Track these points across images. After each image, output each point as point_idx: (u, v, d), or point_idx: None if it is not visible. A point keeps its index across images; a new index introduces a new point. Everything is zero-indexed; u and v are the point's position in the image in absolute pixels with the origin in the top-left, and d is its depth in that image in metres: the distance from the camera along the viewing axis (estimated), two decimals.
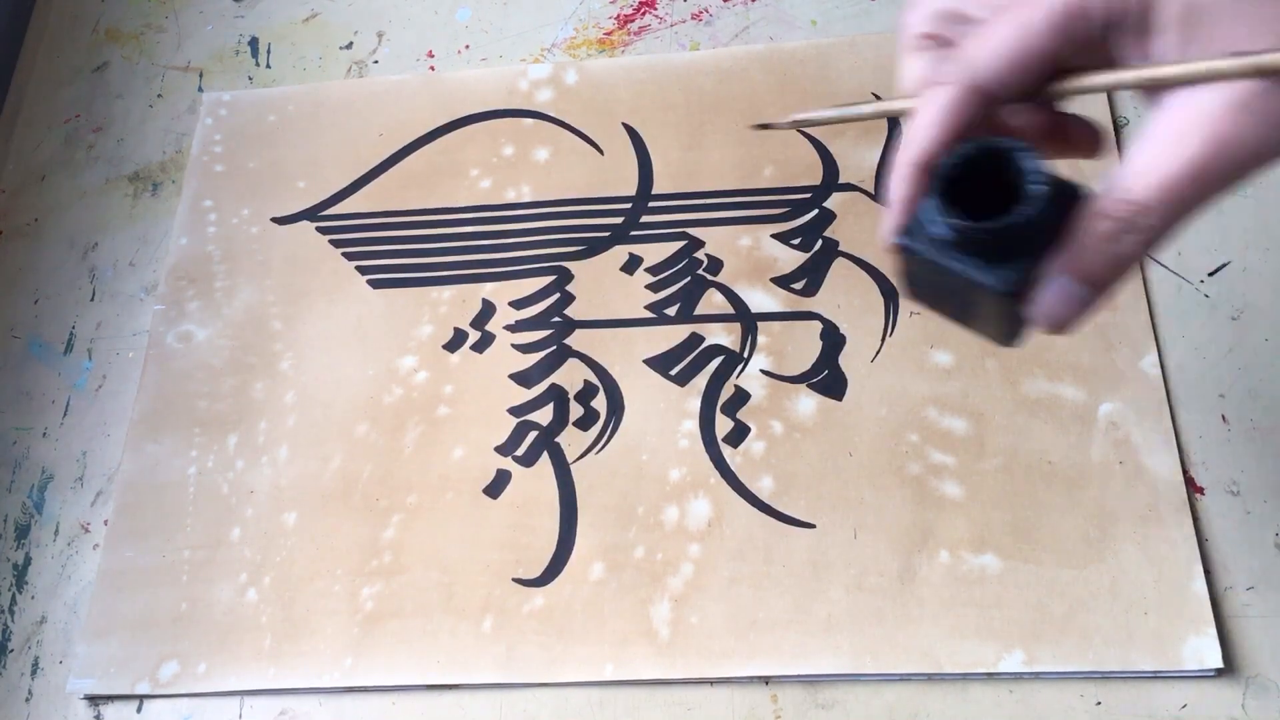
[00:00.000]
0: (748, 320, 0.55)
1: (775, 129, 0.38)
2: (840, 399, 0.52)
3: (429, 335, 0.56)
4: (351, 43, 0.67)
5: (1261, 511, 0.48)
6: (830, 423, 0.52)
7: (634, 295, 0.56)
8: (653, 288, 0.56)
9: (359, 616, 0.50)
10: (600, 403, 0.54)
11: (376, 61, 0.66)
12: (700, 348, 0.54)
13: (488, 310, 0.56)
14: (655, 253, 0.57)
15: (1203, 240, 0.54)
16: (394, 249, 0.59)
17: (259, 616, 0.51)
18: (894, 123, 0.59)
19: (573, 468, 0.52)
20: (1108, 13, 0.31)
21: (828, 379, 0.53)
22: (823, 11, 0.64)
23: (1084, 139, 0.35)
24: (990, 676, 0.46)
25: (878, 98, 0.60)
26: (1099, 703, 0.45)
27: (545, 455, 0.53)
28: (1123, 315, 0.53)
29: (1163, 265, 0.54)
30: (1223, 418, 0.50)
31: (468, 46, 0.66)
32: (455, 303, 0.57)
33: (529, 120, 0.61)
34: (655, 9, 0.64)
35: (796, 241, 0.57)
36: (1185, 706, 0.45)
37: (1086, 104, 0.58)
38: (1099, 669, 0.45)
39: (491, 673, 0.48)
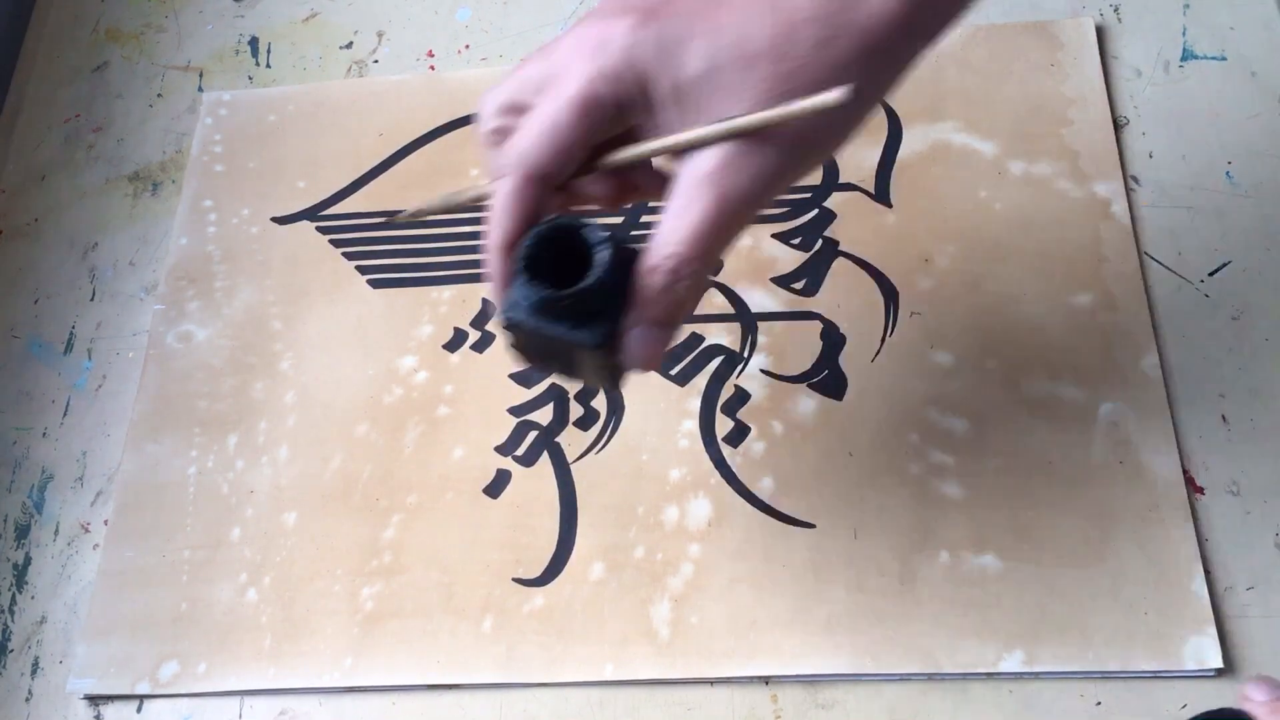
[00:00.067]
0: (748, 320, 0.55)
1: (397, 221, 0.42)
2: (840, 399, 0.52)
3: (429, 335, 0.56)
4: (351, 43, 0.67)
5: (1261, 511, 0.48)
6: (830, 423, 0.52)
7: None
8: None
9: (359, 616, 0.50)
10: (600, 403, 0.54)
11: (376, 61, 0.66)
12: (700, 348, 0.54)
13: (488, 310, 0.56)
14: None
15: (1203, 240, 0.54)
16: (394, 249, 0.59)
17: (259, 616, 0.51)
18: (894, 122, 0.59)
19: (573, 468, 0.52)
20: (617, 97, 0.37)
21: (828, 379, 0.53)
22: None
23: (653, 186, 0.39)
24: (990, 676, 0.46)
25: None
26: (1099, 703, 0.45)
27: (545, 455, 0.53)
28: (1123, 315, 0.53)
29: (1163, 265, 0.54)
30: (1223, 418, 0.50)
31: (468, 46, 0.66)
32: (455, 303, 0.57)
33: None
34: None
35: (796, 241, 0.57)
36: (1185, 706, 0.45)
37: (1087, 107, 0.58)
38: (1099, 669, 0.45)
39: (491, 673, 0.48)
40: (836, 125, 0.37)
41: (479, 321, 0.56)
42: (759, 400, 0.53)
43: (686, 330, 0.55)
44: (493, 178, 0.38)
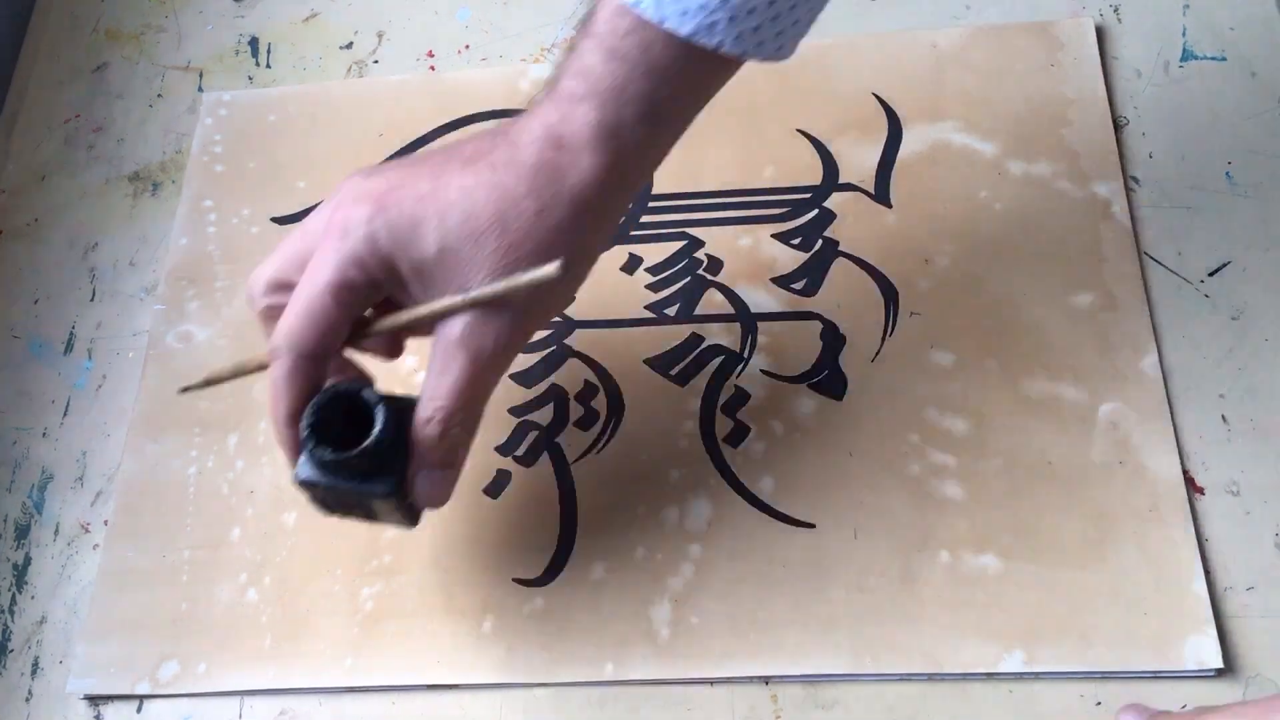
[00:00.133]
0: (748, 320, 0.55)
1: (192, 388, 0.46)
2: (840, 399, 0.52)
3: None
4: (351, 43, 0.67)
5: (1261, 511, 0.48)
6: (830, 423, 0.52)
7: (634, 295, 0.56)
8: (653, 288, 0.56)
9: (359, 616, 0.50)
10: (600, 403, 0.54)
11: (376, 61, 0.66)
12: (700, 348, 0.54)
13: None
14: (655, 253, 0.57)
15: (1203, 240, 0.54)
16: None
17: (259, 616, 0.51)
18: (894, 123, 0.59)
19: (573, 468, 0.52)
20: (367, 279, 0.41)
21: (828, 379, 0.53)
22: (823, 11, 0.64)
23: (424, 332, 0.43)
24: (990, 676, 0.46)
25: (878, 98, 0.60)
26: (1099, 703, 0.45)
27: (545, 455, 0.53)
28: (1123, 315, 0.53)
29: (1163, 265, 0.54)
30: (1223, 418, 0.50)
31: (468, 46, 0.66)
32: None
33: None
34: None
35: (796, 241, 0.57)
36: (1185, 706, 0.45)
37: (1087, 107, 0.58)
38: (1099, 669, 0.45)
39: (491, 673, 0.48)
40: (559, 288, 0.42)
41: None
42: (759, 400, 0.53)
43: (686, 331, 0.55)
44: (269, 356, 0.42)
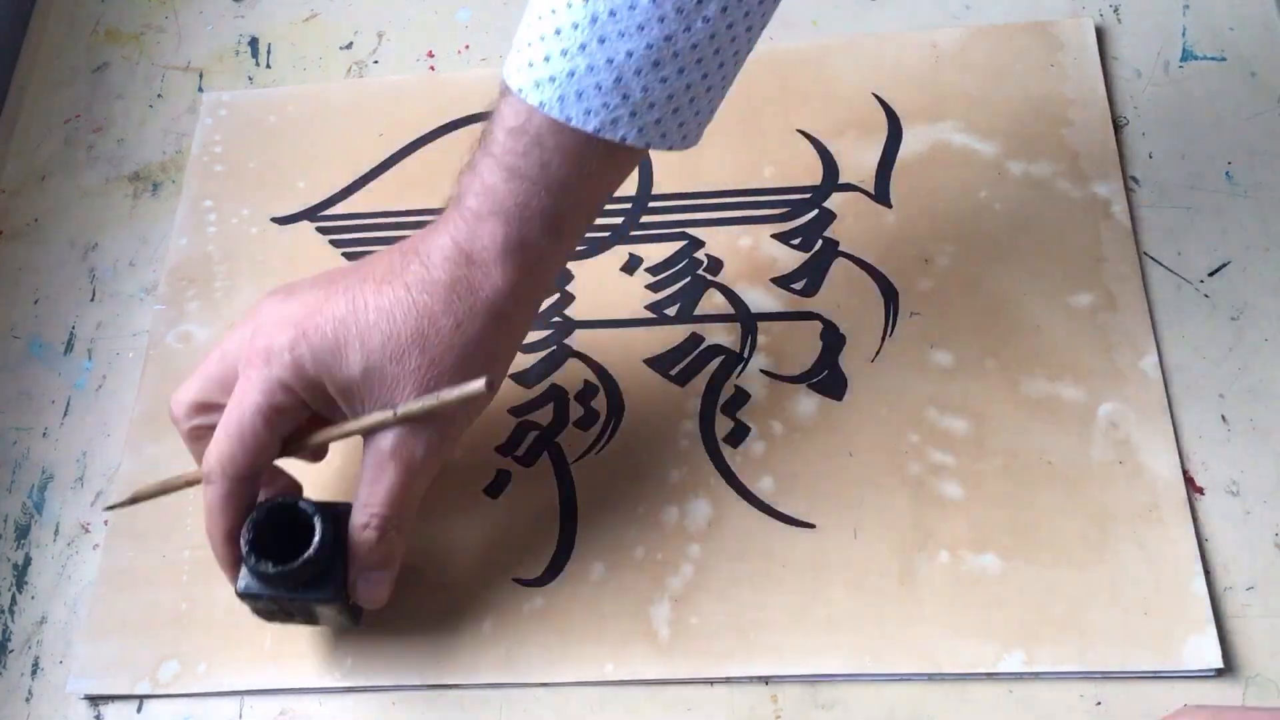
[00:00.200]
0: (748, 320, 0.55)
1: (118, 506, 0.48)
2: (840, 399, 0.52)
3: None
4: (351, 43, 0.67)
5: (1261, 511, 0.48)
6: (830, 423, 0.52)
7: (634, 295, 0.56)
8: (653, 288, 0.56)
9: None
10: (600, 403, 0.54)
11: (376, 61, 0.66)
12: (700, 348, 0.54)
13: None
14: (655, 253, 0.57)
15: (1203, 240, 0.54)
16: None
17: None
18: (894, 123, 0.59)
19: (573, 468, 0.52)
20: (295, 400, 0.43)
21: (828, 379, 0.53)
22: (823, 11, 0.64)
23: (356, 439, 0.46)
24: (990, 676, 0.46)
25: (878, 98, 0.60)
26: (1099, 703, 0.45)
27: (545, 455, 0.53)
28: (1123, 315, 0.53)
29: (1163, 265, 0.54)
30: (1223, 418, 0.50)
31: (468, 46, 0.66)
32: None
33: None
34: None
35: (796, 241, 0.57)
36: (1185, 706, 0.45)
37: (1087, 107, 0.58)
38: (1099, 669, 0.45)
39: (491, 673, 0.48)
40: (480, 400, 0.44)
41: None
42: (759, 400, 0.53)
43: (686, 331, 0.55)
44: (203, 480, 0.44)
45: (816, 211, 0.57)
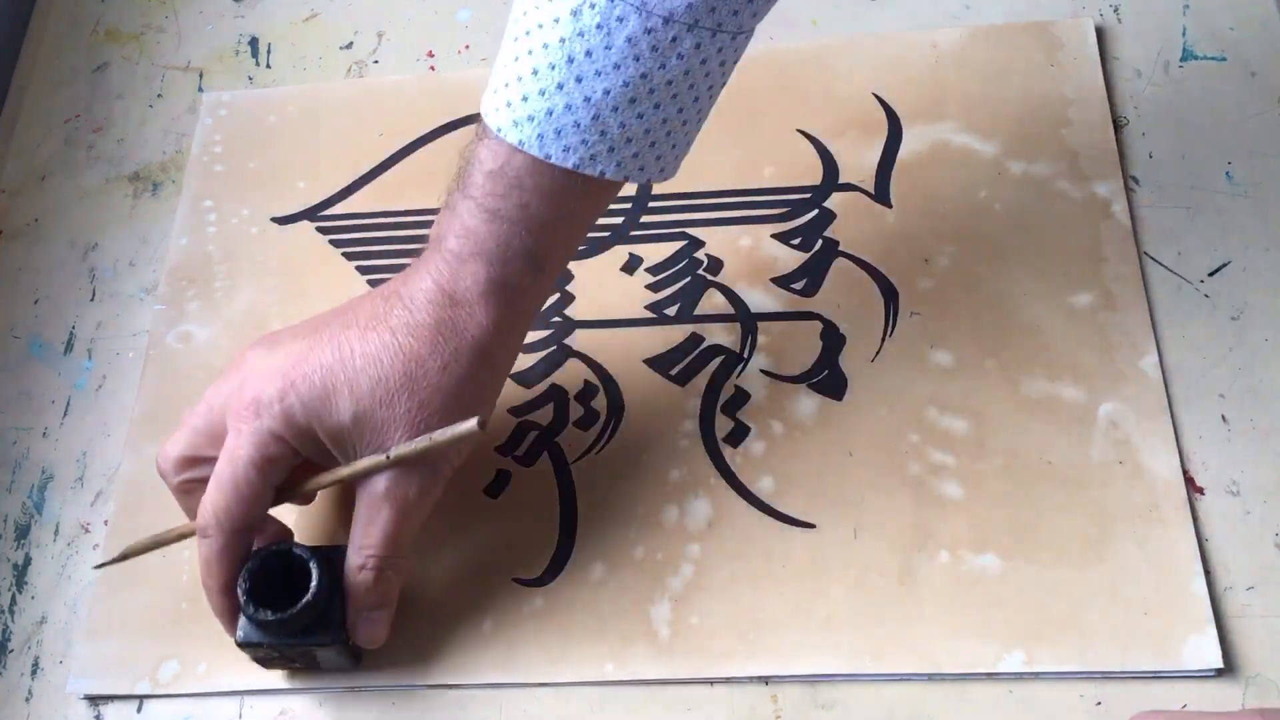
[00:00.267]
0: (748, 320, 0.55)
1: (109, 563, 0.49)
2: (840, 399, 0.52)
3: None
4: (351, 43, 0.67)
5: (1261, 511, 0.48)
6: (830, 423, 0.52)
7: (634, 295, 0.56)
8: (653, 288, 0.56)
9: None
10: (600, 403, 0.54)
11: (376, 61, 0.66)
12: (700, 348, 0.54)
13: None
14: (655, 253, 0.57)
15: (1203, 240, 0.55)
16: (394, 249, 0.59)
17: None
18: (894, 122, 0.59)
19: (573, 468, 0.52)
20: (287, 450, 0.44)
21: (828, 379, 0.53)
22: (823, 11, 0.64)
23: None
24: (990, 676, 0.46)
25: (878, 98, 0.60)
26: (1099, 703, 0.45)
27: (545, 455, 0.53)
28: (1123, 315, 0.53)
29: (1163, 265, 0.54)
30: (1223, 418, 0.50)
31: (468, 46, 0.66)
32: None
33: None
34: None
35: (796, 241, 0.57)
36: (1185, 706, 0.45)
37: (1087, 107, 0.58)
38: (1099, 669, 0.45)
39: (491, 673, 0.48)
40: (469, 439, 0.44)
41: None
42: (759, 400, 0.53)
43: (687, 331, 0.55)
44: (198, 534, 0.45)
45: (816, 211, 0.57)
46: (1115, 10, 0.61)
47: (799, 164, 0.59)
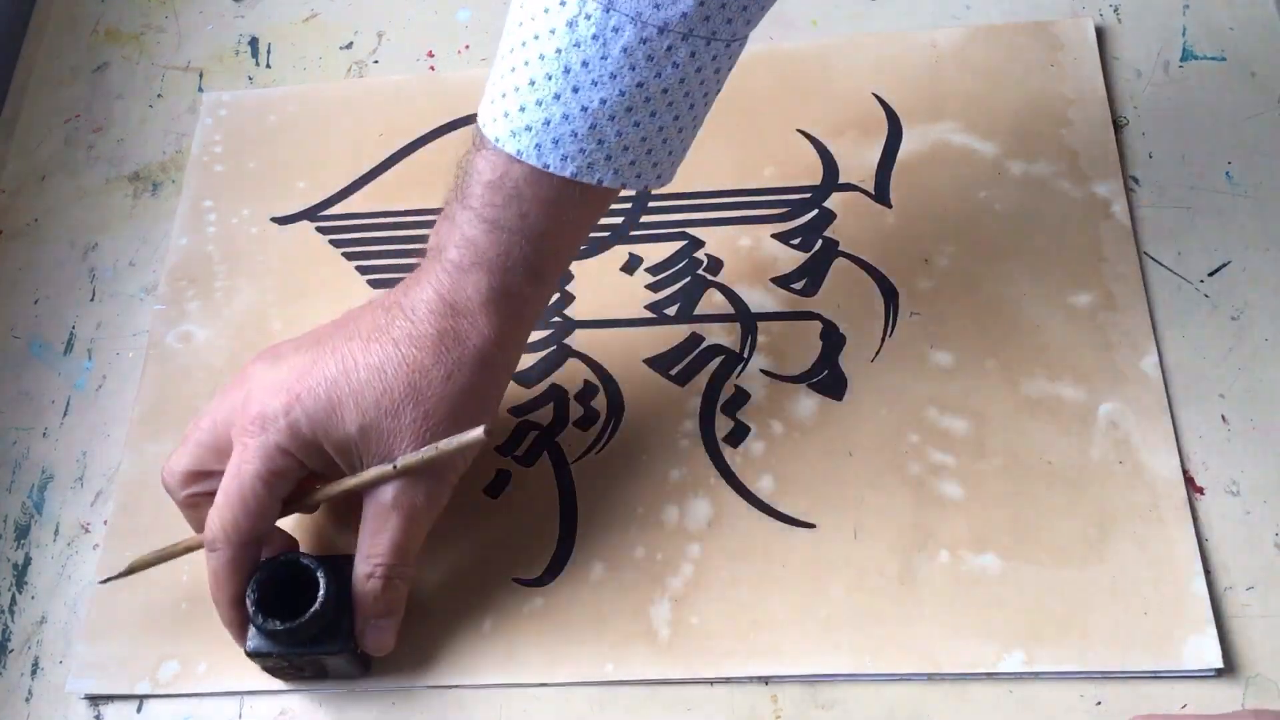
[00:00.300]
0: (748, 320, 0.55)
1: (115, 577, 0.48)
2: (840, 399, 0.52)
3: None
4: (351, 43, 0.67)
5: (1261, 511, 0.48)
6: (830, 423, 0.52)
7: (634, 295, 0.56)
8: (653, 288, 0.56)
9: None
10: (600, 403, 0.54)
11: (376, 61, 0.66)
12: (700, 348, 0.54)
13: None
14: (655, 253, 0.57)
15: (1203, 240, 0.54)
16: (394, 249, 0.59)
17: None
18: (894, 122, 0.59)
19: (573, 468, 0.52)
20: (294, 463, 0.44)
21: (828, 379, 0.53)
22: (823, 12, 0.64)
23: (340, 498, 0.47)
24: (990, 676, 0.46)
25: (878, 98, 0.60)
26: (1099, 703, 0.45)
27: (545, 455, 0.53)
28: (1123, 315, 0.53)
29: (1163, 265, 0.54)
30: (1223, 418, 0.50)
31: (468, 46, 0.66)
32: None
33: None
34: None
35: (796, 241, 0.57)
36: (1185, 706, 0.45)
37: (1087, 107, 0.58)
38: (1099, 669, 0.45)
39: (491, 673, 0.48)
40: (475, 447, 0.45)
41: None
42: (759, 400, 0.53)
43: (686, 331, 0.55)
44: (206, 548, 0.45)
45: (816, 211, 0.57)
46: (1115, 10, 0.61)
47: (799, 164, 0.59)
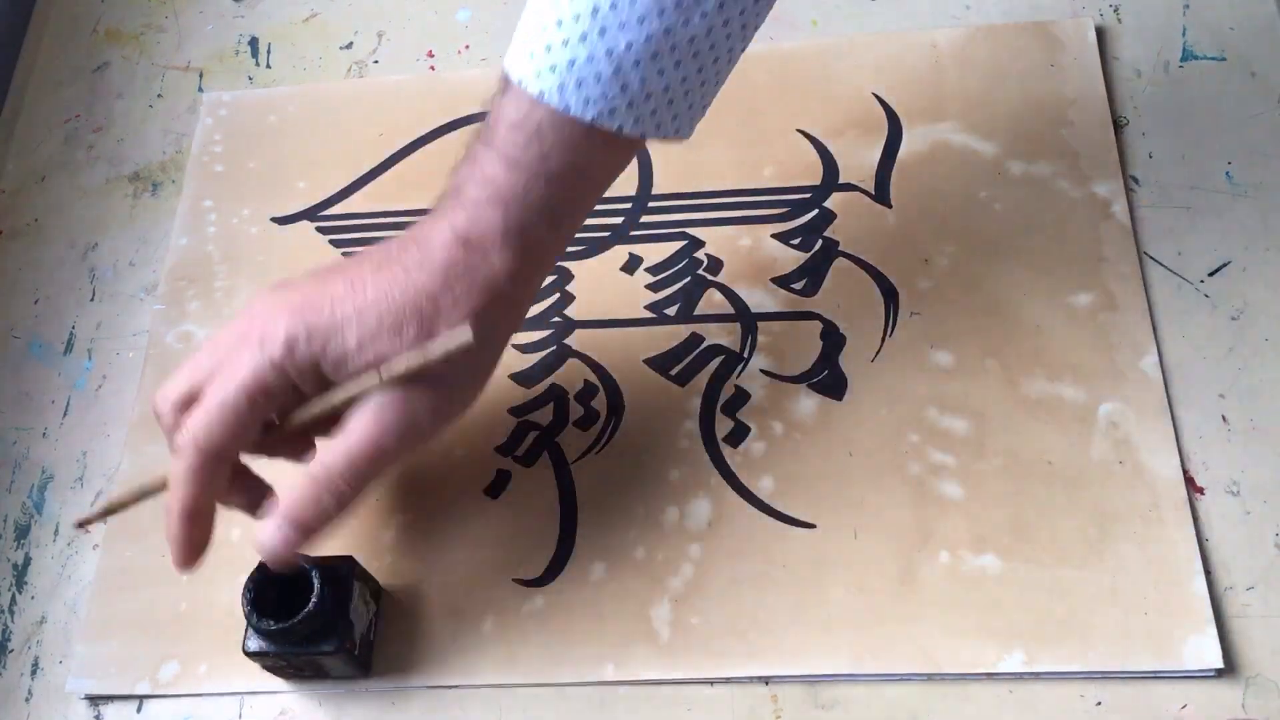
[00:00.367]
0: (748, 320, 0.55)
1: (88, 518, 0.47)
2: (840, 399, 0.52)
3: None
4: (351, 43, 0.67)
5: (1261, 511, 0.48)
6: (830, 423, 0.52)
7: (634, 295, 0.56)
8: (653, 288, 0.56)
9: None
10: (600, 403, 0.54)
11: (376, 61, 0.66)
12: (700, 348, 0.54)
13: None
14: (655, 253, 0.57)
15: (1203, 240, 0.54)
16: None
17: None
18: (894, 122, 0.59)
19: (573, 468, 0.52)
20: (285, 382, 0.42)
21: (828, 379, 0.53)
22: (823, 12, 0.64)
23: (324, 428, 0.45)
24: (990, 676, 0.46)
25: (878, 98, 0.60)
26: (1099, 703, 0.45)
27: (545, 455, 0.53)
28: (1123, 315, 0.53)
29: (1163, 265, 0.54)
30: (1223, 418, 0.50)
31: (468, 46, 0.66)
32: None
33: None
34: None
35: (796, 241, 0.57)
36: (1185, 706, 0.45)
37: (1087, 107, 0.58)
38: (1099, 669, 0.45)
39: (491, 673, 0.48)
40: (470, 367, 0.44)
41: None
42: (759, 400, 0.53)
43: (686, 331, 0.55)
44: (170, 452, 0.43)
45: (816, 211, 0.57)
46: (1115, 10, 0.61)
47: (799, 164, 0.59)
